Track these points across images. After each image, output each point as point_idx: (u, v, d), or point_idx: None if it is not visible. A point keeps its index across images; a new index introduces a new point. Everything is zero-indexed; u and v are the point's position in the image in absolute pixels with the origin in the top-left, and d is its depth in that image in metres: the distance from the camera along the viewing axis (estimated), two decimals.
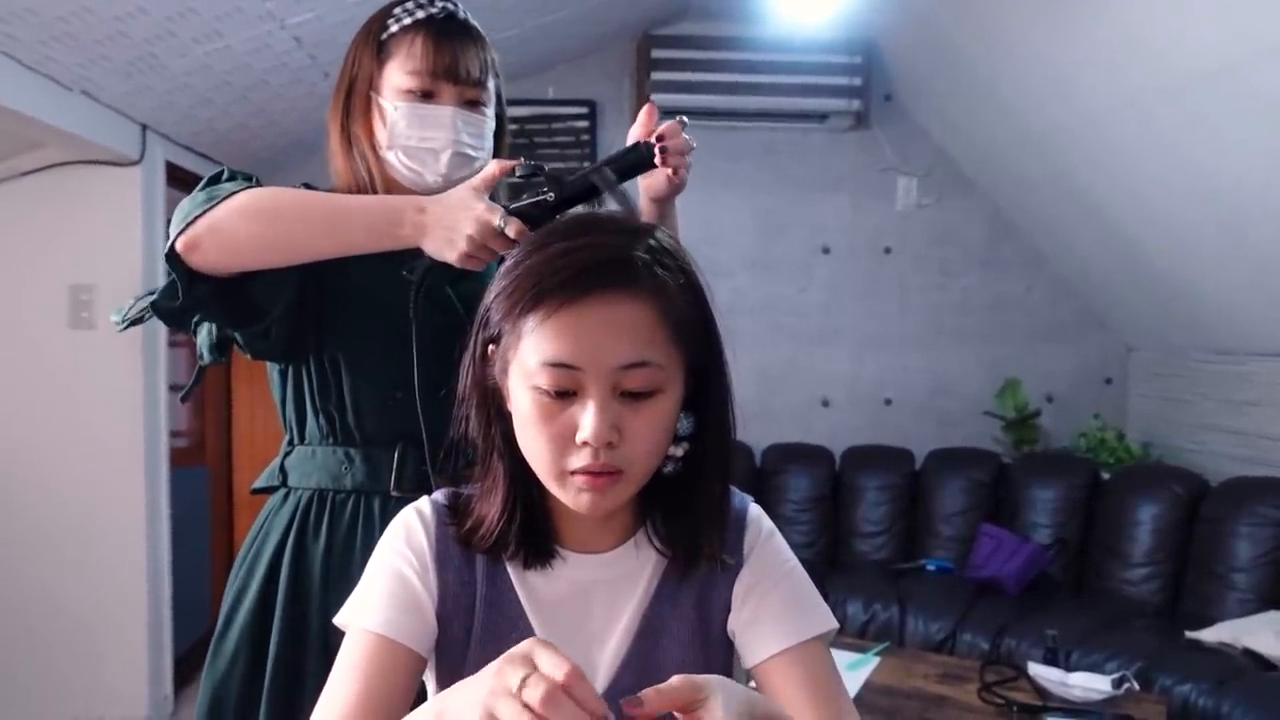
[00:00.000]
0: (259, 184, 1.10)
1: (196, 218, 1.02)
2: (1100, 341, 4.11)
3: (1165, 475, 3.27)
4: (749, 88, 3.75)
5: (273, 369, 1.25)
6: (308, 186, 1.22)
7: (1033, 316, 4.09)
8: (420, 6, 1.17)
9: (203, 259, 1.03)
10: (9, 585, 2.90)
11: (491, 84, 1.21)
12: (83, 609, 2.93)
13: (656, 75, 3.74)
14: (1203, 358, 3.58)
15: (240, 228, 1.02)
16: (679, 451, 0.76)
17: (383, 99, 1.16)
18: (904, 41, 3.80)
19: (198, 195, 1.07)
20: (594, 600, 0.79)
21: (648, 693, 0.54)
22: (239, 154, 3.53)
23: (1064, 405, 4.08)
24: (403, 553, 0.78)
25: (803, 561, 0.84)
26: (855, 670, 2.29)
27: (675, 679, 0.55)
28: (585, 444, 0.69)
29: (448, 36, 1.15)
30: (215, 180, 1.11)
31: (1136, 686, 2.27)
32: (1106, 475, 3.45)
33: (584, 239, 0.71)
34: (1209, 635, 2.73)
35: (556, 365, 0.68)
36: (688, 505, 0.78)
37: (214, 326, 1.18)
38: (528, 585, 0.79)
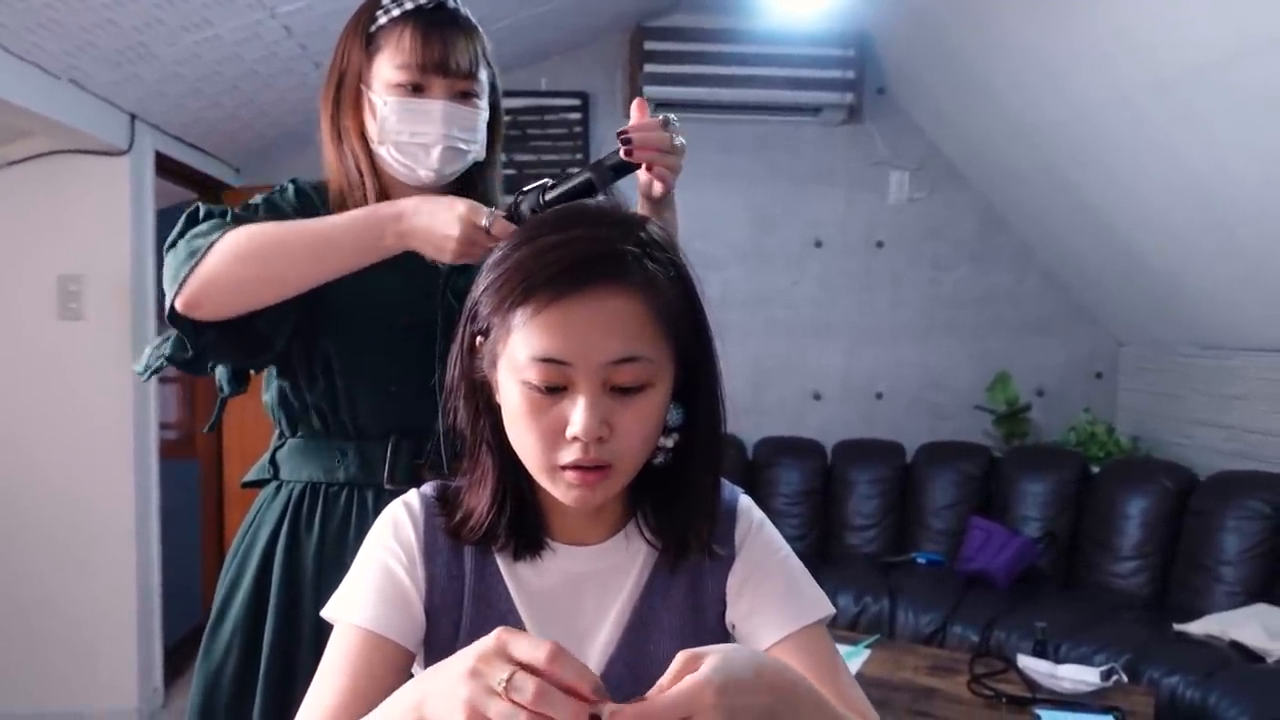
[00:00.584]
0: (236, 220, 1.10)
1: (186, 276, 1.03)
2: (1090, 336, 4.12)
3: (1154, 469, 3.29)
4: (742, 80, 3.74)
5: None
6: (294, 184, 1.21)
7: (1023, 311, 4.11)
8: None
9: (204, 313, 1.05)
10: None
11: (484, 75, 1.19)
12: (73, 601, 2.92)
13: (649, 67, 3.73)
14: (1191, 352, 3.60)
15: (230, 276, 1.03)
16: (669, 443, 0.76)
17: (372, 93, 1.15)
18: (897, 35, 3.79)
19: (179, 248, 1.07)
20: (584, 592, 0.79)
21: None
22: (229, 144, 3.51)
23: (1054, 399, 4.09)
24: (390, 547, 0.78)
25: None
26: (846, 662, 2.30)
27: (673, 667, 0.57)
28: (575, 439, 0.69)
29: (437, 27, 1.13)
30: (193, 219, 1.11)
31: (1125, 678, 2.28)
32: (1096, 469, 3.46)
33: (573, 232, 0.70)
34: (1197, 628, 2.74)
35: (546, 360, 0.68)
36: (678, 496, 0.78)
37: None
38: (517, 577, 0.79)
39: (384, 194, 1.17)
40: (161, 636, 3.14)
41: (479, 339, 0.74)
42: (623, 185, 1.01)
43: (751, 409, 3.94)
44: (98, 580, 2.94)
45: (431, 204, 1.02)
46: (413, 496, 0.81)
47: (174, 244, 1.09)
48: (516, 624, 0.77)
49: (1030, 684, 2.23)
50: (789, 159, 4.03)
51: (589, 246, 0.69)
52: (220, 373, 1.22)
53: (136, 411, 2.94)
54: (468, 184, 1.23)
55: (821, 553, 3.65)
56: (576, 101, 3.90)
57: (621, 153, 0.97)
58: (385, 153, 1.16)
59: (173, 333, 1.12)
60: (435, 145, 1.14)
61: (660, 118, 1.00)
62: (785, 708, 0.60)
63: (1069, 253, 3.93)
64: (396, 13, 1.14)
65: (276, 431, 1.25)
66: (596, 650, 0.78)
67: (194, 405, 3.84)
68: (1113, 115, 2.92)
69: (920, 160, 4.05)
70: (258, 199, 1.19)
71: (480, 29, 1.19)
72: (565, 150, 3.88)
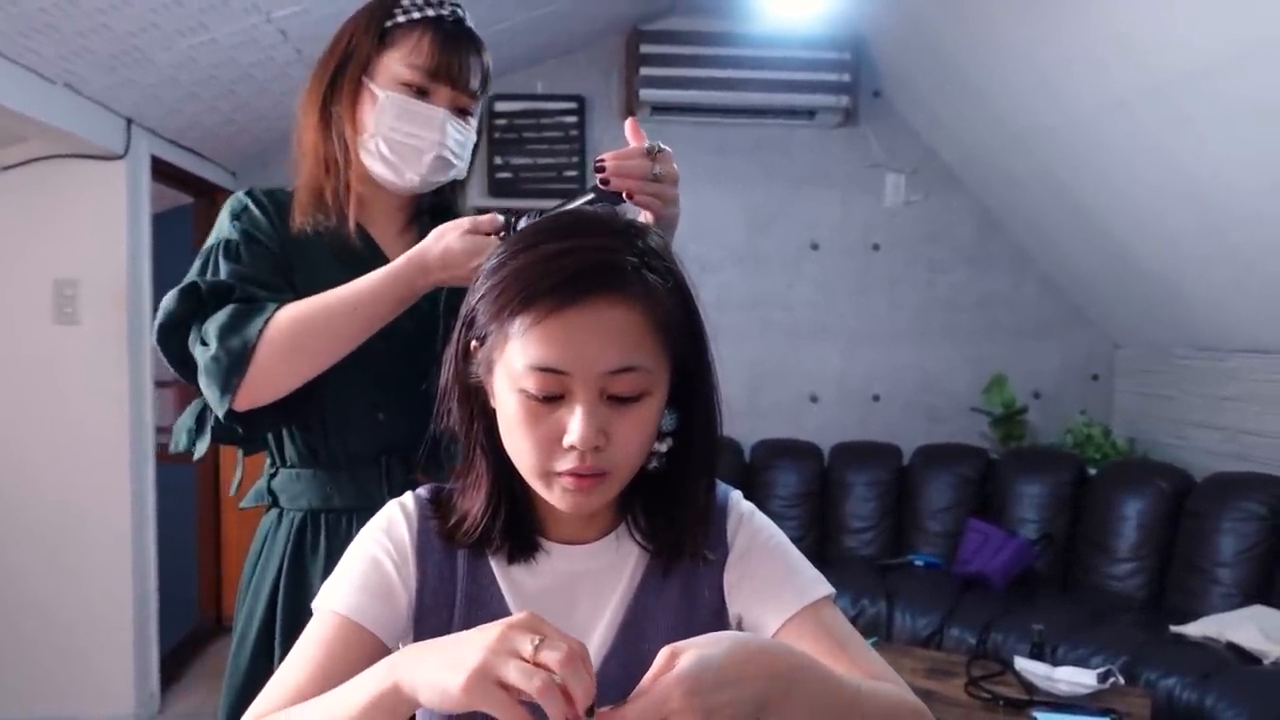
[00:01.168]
0: (241, 298, 1.09)
1: (239, 383, 1.05)
2: (1086, 338, 4.13)
3: (1150, 471, 3.30)
4: (738, 83, 3.74)
5: None
6: (251, 198, 1.19)
7: (1020, 313, 4.11)
8: (430, 5, 1.16)
9: (260, 404, 1.08)
10: None
11: (479, 104, 1.21)
12: (68, 606, 2.91)
13: (645, 70, 3.74)
14: (1187, 354, 3.61)
15: (285, 369, 1.06)
16: (663, 447, 0.76)
17: (375, 84, 1.15)
18: (893, 39, 3.80)
19: (213, 350, 1.05)
20: (579, 592, 0.79)
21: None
22: (225, 149, 3.51)
23: (1050, 401, 4.10)
24: (382, 542, 0.78)
25: None
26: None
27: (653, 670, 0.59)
28: (572, 448, 0.69)
29: (454, 40, 1.16)
30: (198, 301, 1.09)
31: (1121, 680, 2.29)
32: (1092, 471, 3.47)
33: (573, 241, 0.70)
34: (1193, 629, 2.75)
35: (545, 370, 0.68)
36: (672, 500, 0.78)
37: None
38: (510, 578, 0.79)
39: (358, 191, 1.17)
40: (157, 642, 3.13)
41: (474, 344, 0.74)
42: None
43: (748, 411, 3.95)
44: (94, 585, 2.93)
45: (430, 244, 1.06)
46: (408, 498, 0.82)
47: (199, 340, 1.08)
48: None
49: (1027, 686, 2.24)
50: (785, 162, 4.04)
51: (589, 256, 0.69)
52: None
53: (133, 416, 2.94)
54: (442, 201, 1.25)
55: (819, 555, 3.65)
56: (573, 105, 3.90)
57: (598, 181, 0.96)
58: (375, 145, 1.15)
59: (199, 408, 1.15)
60: (429, 151, 1.15)
61: (645, 145, 0.97)
62: (777, 692, 0.60)
63: (1065, 256, 3.94)
64: (417, 15, 1.15)
65: (269, 460, 1.24)
66: (591, 650, 0.78)
67: None
68: (1107, 120, 2.93)
69: (916, 163, 4.06)
70: (232, 236, 1.14)
71: (488, 59, 1.21)
72: (561, 154, 3.88)
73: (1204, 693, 2.47)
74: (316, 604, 0.76)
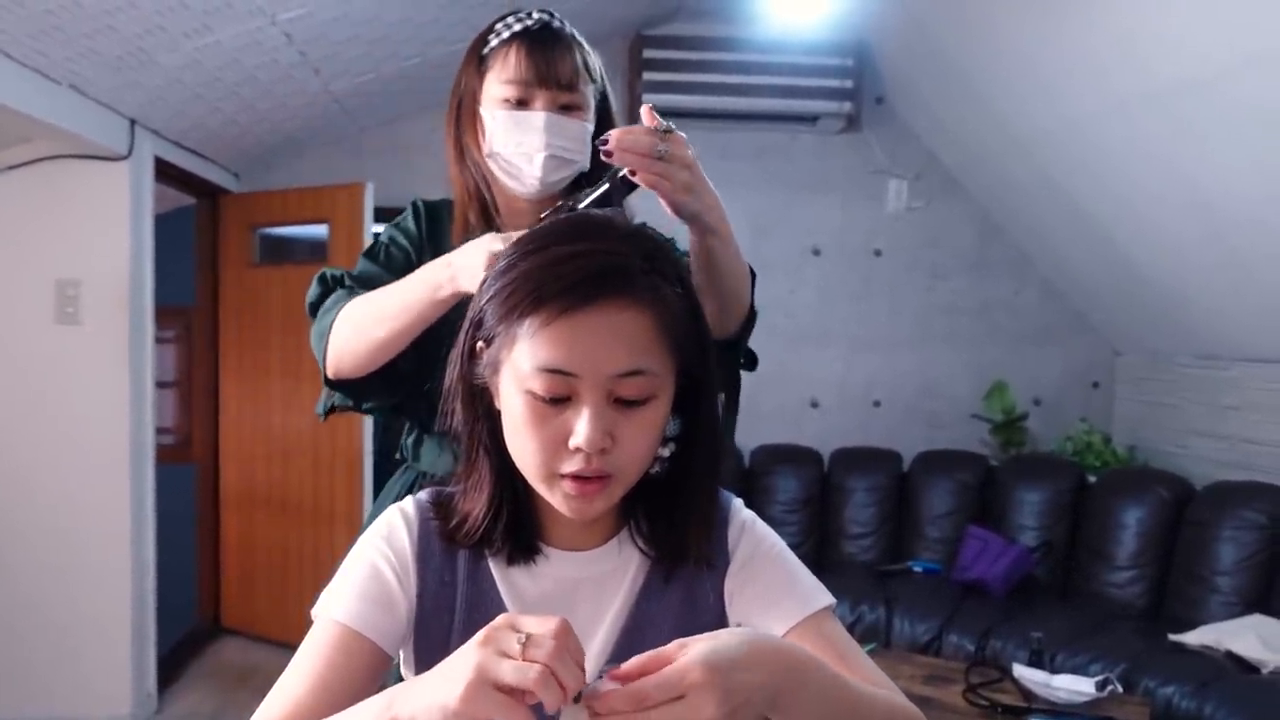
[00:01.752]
0: (352, 284, 1.23)
1: (325, 352, 1.20)
2: (1087, 345, 4.13)
3: (1150, 479, 3.29)
4: (740, 89, 3.75)
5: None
6: (414, 207, 1.31)
7: (1021, 320, 4.11)
8: (518, 20, 1.22)
9: (348, 375, 1.20)
10: None
11: (589, 90, 1.23)
12: (66, 606, 2.92)
13: (648, 75, 3.74)
14: (1188, 362, 3.61)
15: (351, 349, 1.17)
16: (665, 452, 0.76)
17: (483, 109, 1.22)
18: (895, 45, 3.81)
19: (318, 323, 1.22)
20: (579, 597, 0.79)
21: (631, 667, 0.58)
22: (229, 150, 3.52)
23: (1051, 408, 4.10)
24: (383, 550, 0.78)
25: None
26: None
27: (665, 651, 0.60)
28: (578, 450, 0.69)
29: (540, 43, 1.20)
30: (323, 283, 1.26)
31: (1120, 688, 2.29)
32: (1092, 478, 3.47)
33: (582, 244, 0.71)
34: (1192, 638, 2.75)
35: (553, 371, 0.68)
36: (675, 506, 0.78)
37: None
38: (511, 583, 0.79)
39: (499, 207, 1.25)
40: (156, 642, 3.13)
41: (481, 345, 0.74)
42: (632, 202, 1.03)
43: (748, 416, 3.92)
44: (93, 585, 2.93)
45: (466, 246, 1.08)
46: (408, 503, 0.82)
47: (312, 312, 1.25)
48: None
49: (1026, 694, 2.24)
50: (787, 167, 4.04)
51: (599, 260, 0.69)
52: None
53: (133, 416, 2.94)
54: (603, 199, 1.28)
55: (818, 561, 3.65)
56: None
57: (603, 155, 0.96)
58: (494, 165, 1.22)
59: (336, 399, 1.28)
60: (537, 154, 1.19)
61: (654, 124, 0.97)
62: (789, 685, 0.61)
63: (1066, 263, 3.94)
64: (506, 34, 1.21)
65: (409, 425, 1.32)
66: (592, 655, 0.78)
67: (190, 410, 3.84)
68: (1109, 126, 2.94)
69: (918, 169, 4.06)
70: (384, 237, 1.30)
71: (586, 46, 1.24)
72: None
73: (1202, 701, 2.46)
74: (316, 611, 0.76)
